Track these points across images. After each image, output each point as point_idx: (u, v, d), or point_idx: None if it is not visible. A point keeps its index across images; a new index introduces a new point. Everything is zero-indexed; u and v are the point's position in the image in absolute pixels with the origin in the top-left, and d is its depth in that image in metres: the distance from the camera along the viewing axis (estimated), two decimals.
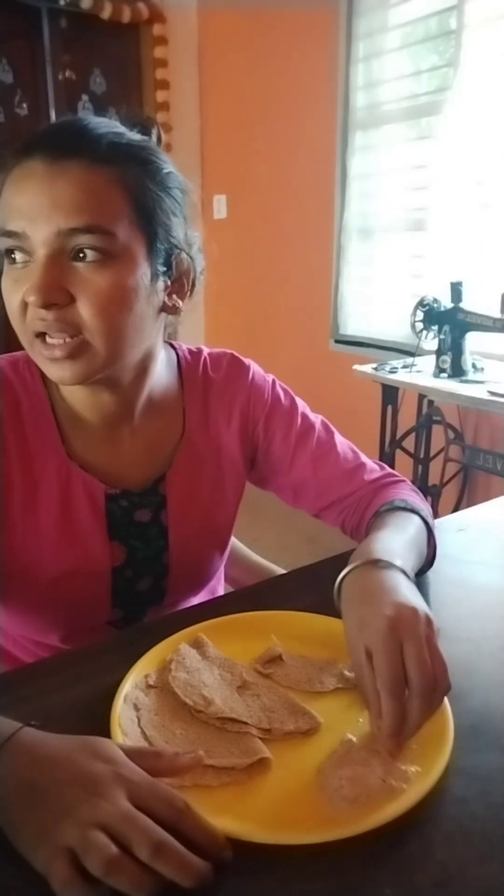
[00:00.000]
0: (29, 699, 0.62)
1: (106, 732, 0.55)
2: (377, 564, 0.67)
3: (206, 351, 0.91)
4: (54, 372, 0.71)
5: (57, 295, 0.66)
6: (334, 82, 2.91)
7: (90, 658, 0.69)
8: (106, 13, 3.33)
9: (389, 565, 0.67)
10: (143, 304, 0.72)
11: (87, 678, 0.65)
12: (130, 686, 0.61)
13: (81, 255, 0.66)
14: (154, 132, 0.77)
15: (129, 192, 0.68)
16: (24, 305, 0.68)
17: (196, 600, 0.93)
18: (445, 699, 0.59)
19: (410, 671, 0.55)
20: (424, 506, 0.84)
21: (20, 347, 0.82)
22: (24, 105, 3.42)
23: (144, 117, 0.78)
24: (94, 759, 0.48)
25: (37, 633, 0.85)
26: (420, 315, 2.30)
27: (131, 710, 0.59)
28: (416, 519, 0.79)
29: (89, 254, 0.66)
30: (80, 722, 0.58)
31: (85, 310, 0.67)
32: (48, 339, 0.69)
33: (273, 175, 3.36)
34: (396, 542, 0.73)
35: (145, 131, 0.76)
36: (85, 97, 3.57)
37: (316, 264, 3.19)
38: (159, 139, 0.77)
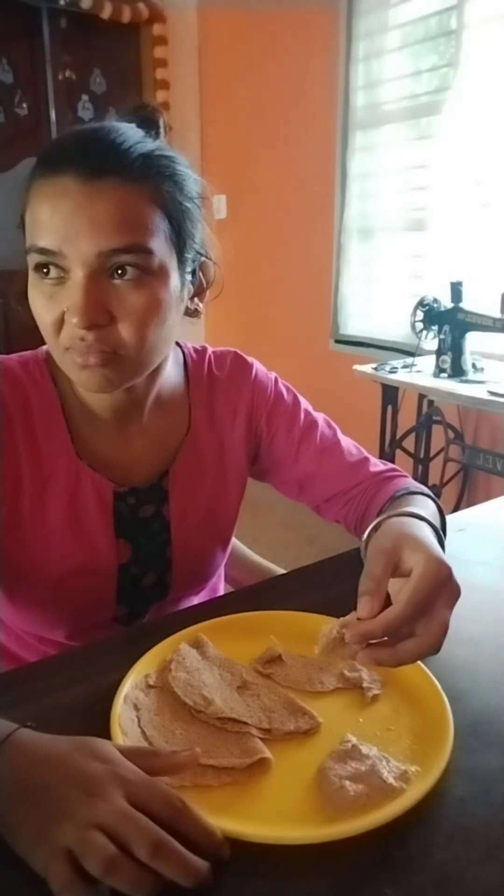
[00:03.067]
0: (29, 699, 0.62)
1: (106, 732, 0.55)
2: (421, 518, 0.70)
3: (210, 350, 0.93)
4: (85, 379, 0.71)
5: (100, 316, 0.66)
6: (334, 82, 2.91)
7: (90, 658, 0.69)
8: (106, 13, 3.33)
9: (432, 524, 0.70)
10: (174, 314, 0.73)
11: (87, 678, 0.65)
12: (130, 686, 0.61)
13: (119, 272, 0.67)
14: (161, 121, 0.76)
15: (161, 208, 0.69)
16: (60, 322, 0.68)
17: (198, 599, 0.93)
18: (445, 699, 0.60)
19: (433, 629, 0.58)
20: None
21: (20, 348, 0.82)
22: (24, 105, 3.42)
23: (149, 108, 0.76)
24: (90, 759, 0.48)
25: (42, 629, 0.86)
26: (420, 315, 2.30)
27: (131, 710, 0.59)
28: (432, 504, 0.80)
29: (129, 271, 0.67)
30: (80, 722, 0.58)
31: (125, 329, 0.68)
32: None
33: (273, 175, 3.36)
34: (427, 512, 0.75)
35: (152, 123, 0.75)
36: (85, 97, 3.57)
37: (316, 264, 3.19)
38: (166, 129, 0.77)
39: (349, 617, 0.60)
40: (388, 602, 0.59)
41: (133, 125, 0.72)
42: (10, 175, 3.44)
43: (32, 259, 0.68)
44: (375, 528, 0.70)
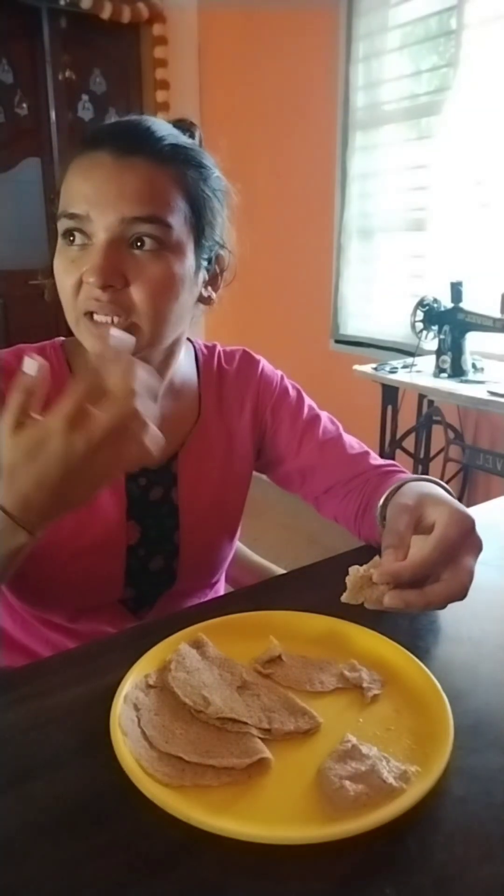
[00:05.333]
0: (29, 699, 0.62)
1: (106, 732, 0.55)
2: (438, 484, 0.75)
3: (219, 347, 0.97)
4: (99, 347, 0.73)
5: (115, 278, 0.71)
6: (334, 82, 2.92)
7: (90, 658, 0.69)
8: (106, 13, 3.33)
9: (449, 491, 0.75)
10: (187, 293, 0.78)
11: (87, 678, 0.65)
12: (130, 686, 0.61)
13: (139, 243, 0.72)
14: (197, 135, 0.82)
15: (184, 191, 0.75)
16: (78, 285, 0.72)
17: (205, 596, 0.94)
18: (445, 699, 0.60)
19: (459, 574, 0.62)
20: None
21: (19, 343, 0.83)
22: (24, 105, 3.42)
23: (188, 122, 0.83)
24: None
25: (46, 608, 0.87)
26: (420, 315, 2.31)
27: (131, 710, 0.59)
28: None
29: (147, 242, 0.72)
30: (80, 722, 0.58)
31: (138, 294, 0.72)
32: (96, 317, 0.73)
33: (273, 175, 3.36)
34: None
35: (188, 129, 0.81)
36: (85, 97, 3.57)
37: (316, 264, 3.19)
38: (201, 142, 0.83)
39: (376, 560, 0.61)
40: None
41: (169, 124, 0.79)
42: (10, 175, 3.45)
43: (62, 225, 0.73)
44: (394, 492, 0.74)
